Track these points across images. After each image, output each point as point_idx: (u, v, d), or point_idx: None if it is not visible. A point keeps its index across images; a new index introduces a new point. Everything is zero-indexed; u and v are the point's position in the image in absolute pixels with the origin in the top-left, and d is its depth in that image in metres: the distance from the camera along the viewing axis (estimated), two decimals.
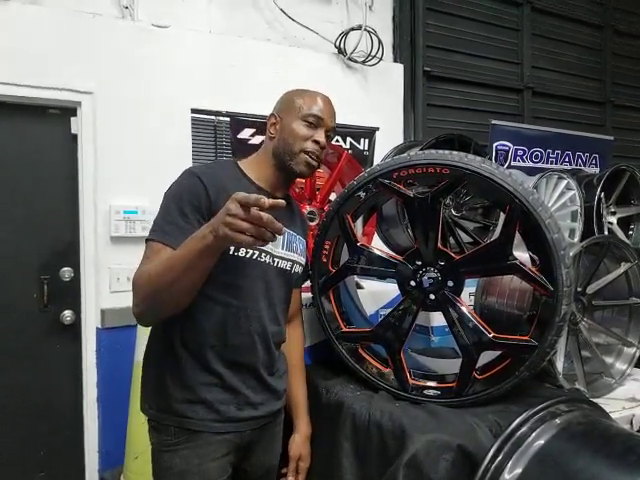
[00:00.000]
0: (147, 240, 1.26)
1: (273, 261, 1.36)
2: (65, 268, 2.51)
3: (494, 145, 2.97)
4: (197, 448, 1.27)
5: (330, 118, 1.40)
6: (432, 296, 1.42)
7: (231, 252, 1.27)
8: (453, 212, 2.28)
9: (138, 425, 2.10)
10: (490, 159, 1.85)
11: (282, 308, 1.43)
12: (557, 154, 3.22)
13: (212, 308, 1.29)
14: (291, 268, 1.42)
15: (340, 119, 3.03)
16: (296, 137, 1.35)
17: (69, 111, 2.49)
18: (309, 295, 1.64)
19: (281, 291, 1.41)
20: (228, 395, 1.30)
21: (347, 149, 3.00)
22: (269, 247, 1.34)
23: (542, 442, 1.08)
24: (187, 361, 1.29)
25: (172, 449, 1.26)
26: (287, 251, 1.40)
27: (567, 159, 3.24)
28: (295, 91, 1.44)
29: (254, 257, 1.31)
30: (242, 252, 1.28)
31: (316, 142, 1.36)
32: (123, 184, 2.50)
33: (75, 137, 2.49)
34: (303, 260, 1.49)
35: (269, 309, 1.36)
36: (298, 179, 2.19)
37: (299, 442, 1.48)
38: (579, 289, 1.62)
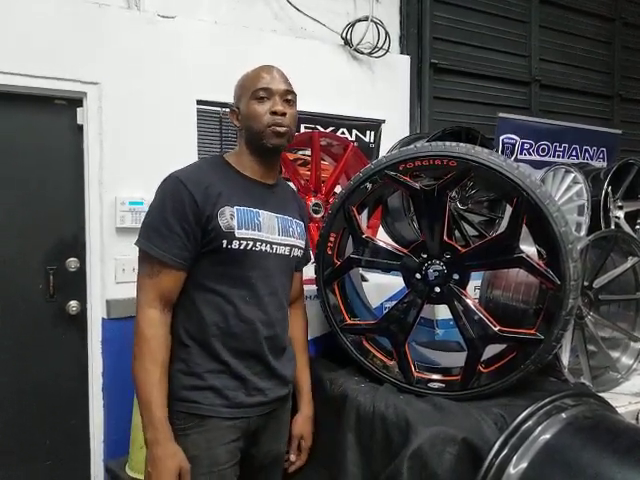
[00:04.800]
0: (137, 244, 1.31)
1: (272, 248, 1.37)
2: (71, 259, 2.51)
3: (501, 138, 2.95)
4: (206, 433, 1.28)
5: (279, 83, 1.37)
6: (437, 289, 1.41)
7: (224, 246, 1.28)
8: (459, 205, 2.27)
9: None
10: (497, 152, 1.84)
11: (285, 293, 1.45)
12: (564, 147, 3.19)
13: (212, 299, 1.31)
14: (290, 252, 1.43)
15: (346, 111, 3.08)
16: (255, 117, 1.35)
17: (75, 102, 2.48)
18: (313, 287, 1.64)
19: (282, 277, 1.42)
20: (236, 382, 1.32)
21: (353, 141, 2.98)
22: (265, 235, 1.35)
23: (548, 436, 1.08)
24: (194, 350, 1.31)
25: (182, 434, 1.27)
26: (284, 236, 1.41)
27: (574, 153, 3.22)
28: (240, 77, 1.43)
29: (248, 248, 1.31)
30: (235, 244, 1.29)
31: (274, 112, 1.34)
32: (128, 175, 2.49)
33: (81, 128, 2.48)
34: (302, 243, 1.49)
35: (271, 296, 1.37)
36: (303, 171, 2.20)
37: (301, 422, 1.51)
38: (586, 283, 1.61)
